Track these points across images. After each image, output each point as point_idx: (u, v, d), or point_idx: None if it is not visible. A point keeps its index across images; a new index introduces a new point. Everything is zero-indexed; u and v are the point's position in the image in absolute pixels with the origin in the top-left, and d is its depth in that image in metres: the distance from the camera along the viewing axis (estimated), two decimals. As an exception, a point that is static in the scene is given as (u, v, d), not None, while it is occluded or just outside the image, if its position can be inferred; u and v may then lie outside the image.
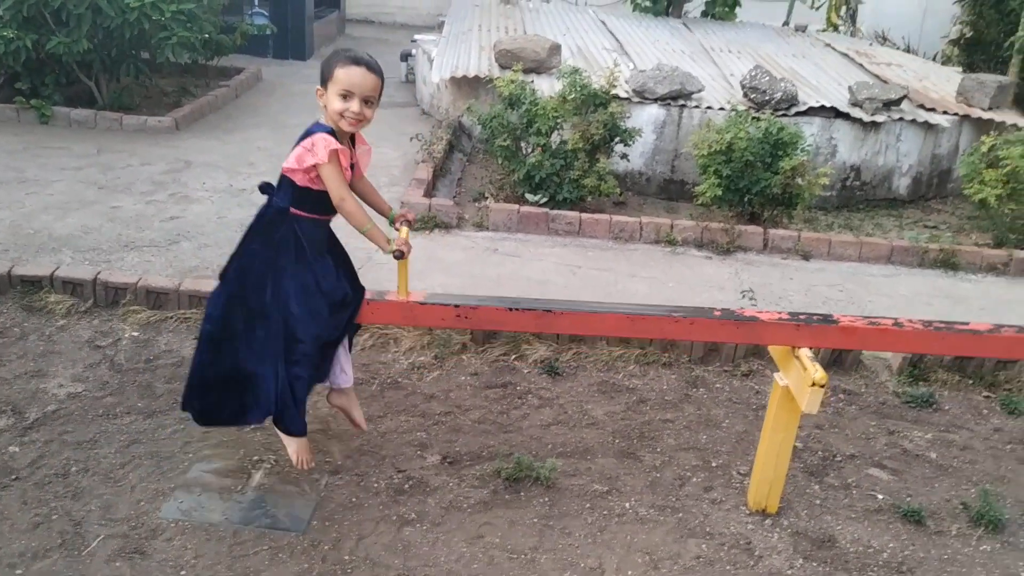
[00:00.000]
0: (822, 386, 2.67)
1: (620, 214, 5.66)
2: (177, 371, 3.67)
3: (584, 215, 5.43)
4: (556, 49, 7.00)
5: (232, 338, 2.83)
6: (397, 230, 2.93)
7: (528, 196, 5.67)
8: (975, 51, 9.90)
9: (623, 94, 6.24)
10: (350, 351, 3.14)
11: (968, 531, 3.11)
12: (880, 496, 3.26)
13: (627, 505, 3.10)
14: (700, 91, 6.50)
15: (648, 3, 10.55)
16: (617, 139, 5.76)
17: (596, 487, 3.18)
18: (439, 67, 7.20)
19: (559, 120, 5.65)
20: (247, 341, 2.82)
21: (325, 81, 2.71)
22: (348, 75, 2.65)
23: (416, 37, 9.00)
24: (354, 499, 3.02)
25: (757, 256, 5.37)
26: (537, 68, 6.80)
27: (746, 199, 5.54)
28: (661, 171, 6.46)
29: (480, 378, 3.84)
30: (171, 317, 4.04)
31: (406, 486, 3.10)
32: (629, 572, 2.79)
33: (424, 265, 4.77)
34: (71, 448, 3.13)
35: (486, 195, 5.92)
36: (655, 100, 6.35)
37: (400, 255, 2.83)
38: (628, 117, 5.86)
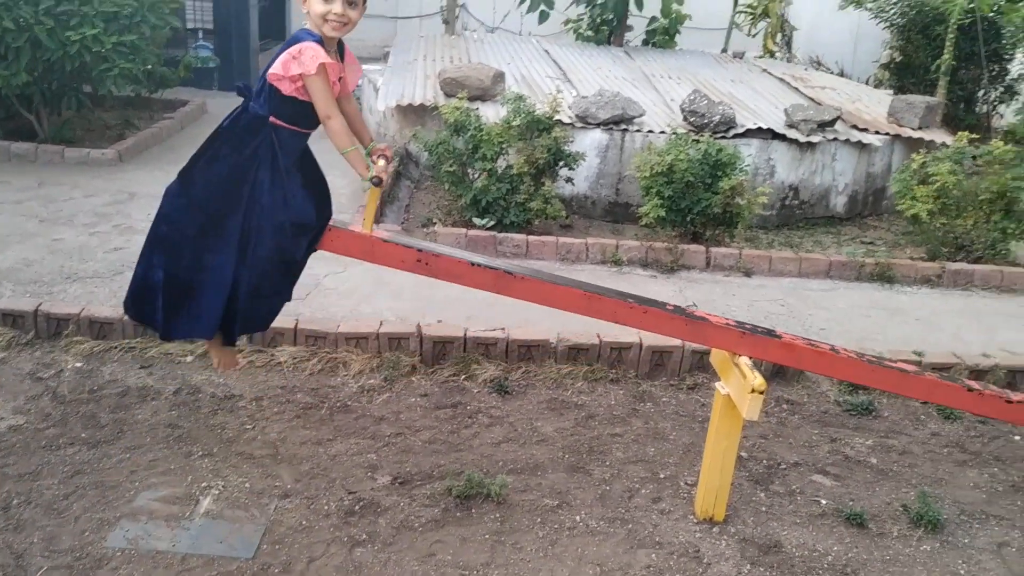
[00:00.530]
0: (761, 392, 2.74)
1: (567, 236, 5.73)
2: (122, 400, 3.64)
3: (531, 237, 5.50)
4: (500, 77, 7.10)
5: (183, 242, 2.72)
6: (374, 162, 2.85)
7: (476, 220, 5.72)
8: (905, 74, 10.25)
9: (566, 119, 6.34)
10: None
11: (908, 532, 3.20)
12: (824, 501, 3.34)
13: (577, 518, 3.14)
14: (641, 116, 6.64)
15: (590, 32, 10.74)
16: (562, 163, 5.85)
17: (547, 501, 3.21)
18: (385, 95, 7.25)
19: (504, 145, 5.73)
20: (199, 248, 2.72)
21: None
22: None
23: (362, 67, 9.03)
24: (304, 522, 3.00)
25: (700, 274, 5.48)
26: (482, 96, 6.88)
27: (688, 219, 5.65)
28: (606, 194, 6.56)
29: (430, 399, 3.85)
30: (115, 347, 4.00)
31: (357, 507, 3.10)
32: (581, 584, 2.82)
33: (373, 289, 4.78)
34: (12, 480, 3.07)
35: (434, 220, 5.96)
36: (598, 125, 6.47)
37: (378, 182, 2.76)
38: (572, 141, 5.96)
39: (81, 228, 5.39)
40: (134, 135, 7.25)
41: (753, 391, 2.73)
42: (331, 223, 2.93)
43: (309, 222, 2.82)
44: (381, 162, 2.84)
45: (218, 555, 2.81)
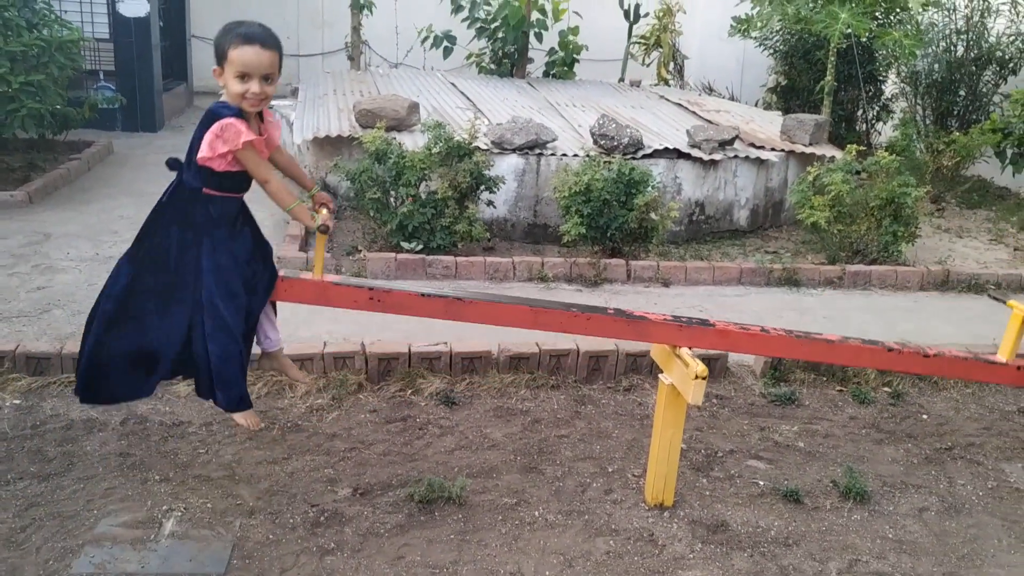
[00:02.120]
0: (704, 378, 2.95)
1: (493, 256, 5.90)
2: (68, 433, 3.59)
3: (459, 259, 5.65)
4: (415, 107, 7.26)
5: (137, 318, 2.78)
6: (317, 211, 2.97)
7: (403, 244, 5.83)
8: (790, 97, 10.90)
9: (483, 146, 6.54)
10: (275, 315, 3.15)
11: (840, 504, 3.46)
12: (761, 483, 3.57)
13: (536, 513, 3.27)
14: (554, 140, 6.90)
15: (493, 66, 11.06)
16: (483, 187, 6.04)
17: (505, 500, 3.34)
18: (300, 129, 7.31)
19: (426, 171, 5.88)
20: (156, 321, 2.78)
21: (220, 61, 2.66)
22: (242, 56, 2.61)
23: (272, 103, 9.06)
24: (271, 536, 3.05)
25: (622, 286, 5.73)
26: (398, 126, 7.02)
27: (607, 235, 5.91)
28: (525, 216, 6.78)
29: (379, 414, 3.94)
30: (54, 382, 3.94)
31: (322, 519, 3.16)
32: (547, 573, 2.95)
33: (309, 314, 4.81)
34: (-35, 517, 3.02)
35: (359, 248, 6.05)
36: (514, 150, 6.69)
37: (325, 230, 2.88)
38: (492, 166, 6.16)
39: (-1, 270, 5.27)
40: (42, 176, 7.08)
41: (696, 377, 2.94)
42: (282, 274, 3.05)
43: (259, 274, 2.94)
44: (324, 211, 2.98)
45: (189, 573, 2.83)
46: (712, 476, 3.60)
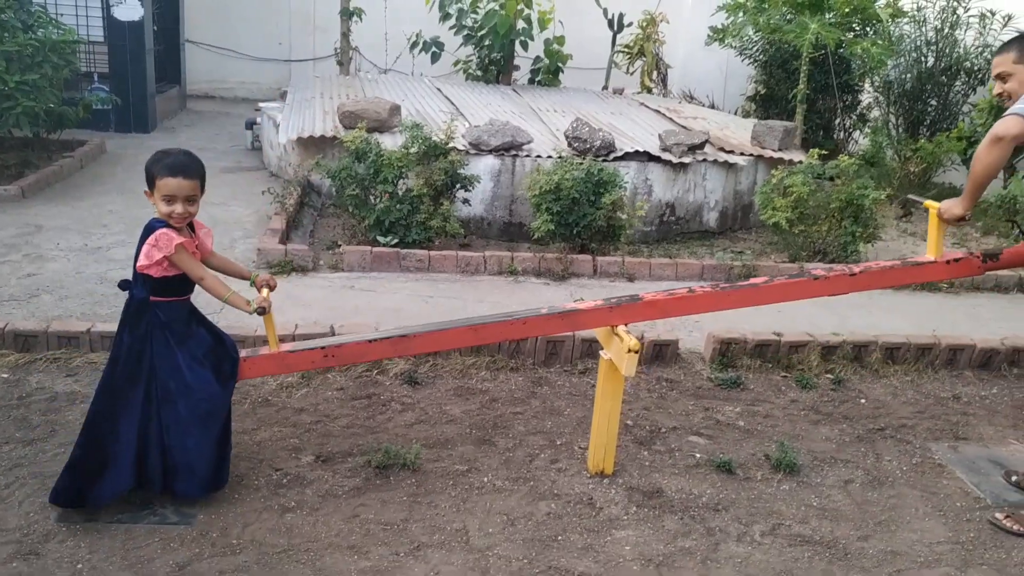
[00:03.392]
0: (636, 351, 3.21)
1: (466, 251, 6.16)
2: (52, 404, 3.84)
3: (433, 252, 5.91)
4: (396, 110, 7.54)
5: (106, 421, 3.08)
6: (259, 290, 3.29)
7: (380, 239, 6.09)
8: (769, 105, 11.18)
9: (461, 147, 6.81)
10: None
11: (770, 476, 3.71)
12: (698, 455, 3.82)
13: (485, 480, 3.52)
14: (530, 142, 7.17)
15: (479, 72, 11.34)
16: (458, 185, 6.31)
17: (457, 467, 3.59)
18: (286, 130, 7.58)
19: (404, 169, 6.14)
20: (118, 426, 3.08)
21: (150, 188, 3.04)
22: (167, 185, 2.99)
23: (260, 105, 9.34)
24: (236, 495, 3.29)
25: (589, 280, 5.99)
26: (379, 127, 7.29)
27: (575, 232, 6.17)
28: (500, 215, 7.04)
29: (346, 392, 4.19)
30: (40, 358, 4.18)
31: (284, 481, 3.41)
32: (490, 530, 3.20)
33: (283, 303, 5.07)
34: (-47, 474, 3.26)
35: (339, 243, 6.30)
36: (490, 151, 6.96)
37: (262, 311, 3.20)
38: (467, 165, 6.42)
39: (-9, 258, 5.52)
40: (35, 173, 7.34)
41: (629, 351, 3.20)
42: (242, 354, 3.35)
43: (223, 363, 3.23)
44: (264, 291, 3.29)
45: (159, 525, 3.08)
46: (653, 449, 3.85)
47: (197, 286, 3.14)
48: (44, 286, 5.11)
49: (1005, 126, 3.25)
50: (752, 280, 3.52)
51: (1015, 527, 3.40)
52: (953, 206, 3.58)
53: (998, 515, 3.47)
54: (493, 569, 2.98)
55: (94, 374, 4.13)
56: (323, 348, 3.38)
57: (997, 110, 8.45)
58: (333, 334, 4.41)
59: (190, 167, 3.05)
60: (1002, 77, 3.47)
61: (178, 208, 3.02)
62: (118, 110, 9.45)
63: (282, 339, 4.32)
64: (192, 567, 2.87)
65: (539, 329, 3.45)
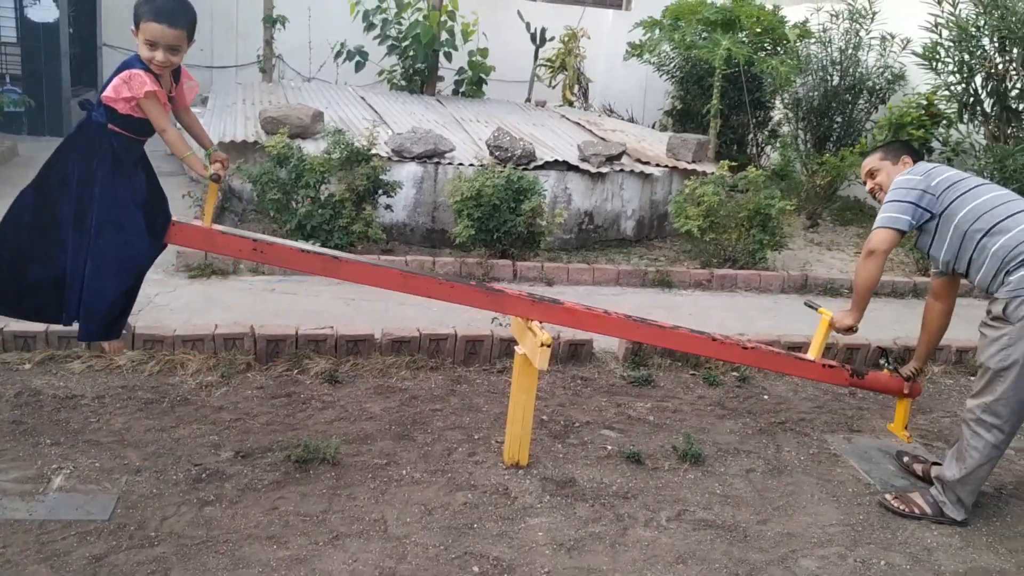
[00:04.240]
0: (548, 346, 3.35)
1: (389, 256, 6.24)
2: (-37, 404, 3.79)
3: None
4: (319, 116, 7.58)
5: (46, 245, 3.04)
6: (213, 163, 3.28)
7: (301, 244, 6.11)
8: (686, 120, 11.56)
9: (383, 153, 6.89)
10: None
11: (677, 466, 3.89)
12: (610, 447, 3.99)
13: (404, 472, 3.61)
14: (452, 150, 7.29)
15: (403, 82, 11.43)
16: (381, 191, 6.39)
17: (376, 461, 3.67)
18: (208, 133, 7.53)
19: (326, 175, 6.20)
20: (60, 249, 3.05)
21: (136, 26, 2.98)
22: (150, 30, 2.93)
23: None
24: (155, 490, 3.31)
25: (509, 284, 6.13)
26: (302, 133, 7.31)
27: (496, 237, 6.31)
28: (423, 221, 7.14)
29: (266, 390, 4.23)
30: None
31: (203, 476, 3.44)
32: (408, 519, 3.29)
33: (204, 305, 5.09)
34: None
35: (260, 247, 6.30)
36: (413, 158, 7.06)
37: (217, 178, 3.20)
38: (390, 171, 6.51)
39: None
40: (-57, 175, 7.14)
41: (542, 345, 3.34)
42: (174, 219, 3.33)
43: (156, 214, 3.22)
44: (218, 164, 3.30)
45: (75, 519, 3.08)
46: (567, 442, 4.00)
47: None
48: (-47, 287, 4.99)
49: (877, 241, 3.58)
50: (660, 323, 3.71)
51: (902, 507, 3.64)
52: (844, 317, 3.84)
53: (887, 497, 3.71)
54: (410, 556, 3.07)
55: (7, 374, 4.10)
56: (254, 240, 3.36)
57: (896, 127, 8.94)
58: (254, 334, 4.45)
59: (178, 14, 2.99)
60: (871, 174, 3.84)
61: (159, 56, 2.96)
62: (31, 112, 9.25)
63: (200, 339, 4.37)
64: (109, 559, 2.89)
65: (464, 297, 3.51)
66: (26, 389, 3.97)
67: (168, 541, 3.02)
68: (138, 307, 4.79)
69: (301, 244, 3.52)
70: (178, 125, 3.38)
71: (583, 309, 3.61)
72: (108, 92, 2.97)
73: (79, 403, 3.91)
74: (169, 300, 5.09)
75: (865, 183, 3.91)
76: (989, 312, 3.48)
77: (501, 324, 5.02)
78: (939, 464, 3.76)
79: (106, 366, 4.24)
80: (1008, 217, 3.41)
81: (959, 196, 3.50)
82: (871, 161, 3.86)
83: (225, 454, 3.62)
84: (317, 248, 3.50)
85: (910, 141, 3.99)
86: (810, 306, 4.25)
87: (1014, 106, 7.70)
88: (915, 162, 3.75)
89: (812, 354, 3.97)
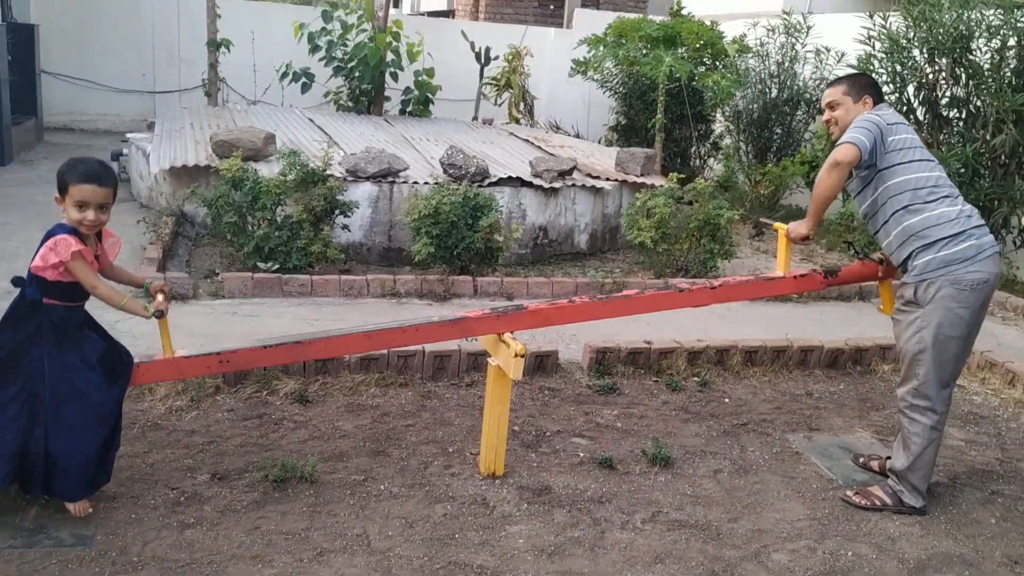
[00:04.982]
0: (522, 356, 3.43)
1: (348, 275, 6.26)
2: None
3: (315, 276, 5.99)
4: (271, 139, 7.58)
5: None
6: (154, 298, 3.34)
7: (260, 265, 6.11)
8: (630, 134, 11.79)
9: (338, 174, 6.92)
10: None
11: (647, 469, 4.00)
12: (582, 454, 4.07)
13: (382, 487, 3.65)
14: (406, 169, 7.35)
15: (350, 103, 11.47)
16: (337, 211, 6.42)
17: (354, 478, 3.70)
18: (157, 160, 7.48)
19: (282, 196, 6.21)
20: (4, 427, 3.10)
21: (62, 193, 3.10)
22: (82, 191, 3.06)
23: (128, 136, 9.15)
24: (133, 515, 3.30)
25: (470, 300, 6.20)
26: (255, 156, 7.31)
27: (455, 254, 6.38)
28: (380, 240, 7.17)
29: (236, 413, 4.23)
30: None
31: (181, 499, 3.43)
32: (390, 533, 3.33)
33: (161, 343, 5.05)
34: None
35: (216, 271, 6.28)
36: (367, 178, 7.10)
37: (160, 315, 3.28)
38: (345, 191, 6.55)
39: None
40: None
41: (516, 355, 3.41)
42: (136, 359, 3.40)
43: (118, 365, 3.30)
44: (159, 297, 3.36)
45: (55, 548, 3.06)
46: (540, 451, 4.08)
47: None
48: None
49: (843, 152, 3.62)
50: (625, 292, 3.82)
51: (863, 502, 3.79)
52: (798, 226, 3.96)
53: (848, 492, 3.86)
54: (396, 568, 3.11)
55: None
56: (218, 353, 3.44)
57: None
58: (222, 357, 4.43)
59: (104, 175, 3.12)
60: (832, 106, 3.88)
61: (90, 215, 3.08)
62: (-30, 142, 9.05)
63: (169, 363, 4.34)
64: (93, 586, 2.88)
65: (432, 336, 3.62)
66: (-9, 421, 3.90)
67: (152, 565, 3.01)
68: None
69: (262, 342, 3.59)
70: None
71: (548, 306, 3.71)
72: (36, 262, 3.06)
73: (47, 433, 3.86)
74: (131, 327, 5.03)
75: (823, 113, 3.96)
76: (901, 297, 3.68)
77: (467, 339, 5.09)
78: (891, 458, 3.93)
79: (72, 394, 4.19)
80: (930, 201, 3.61)
81: (901, 163, 3.65)
82: (834, 93, 3.86)
83: (201, 477, 3.61)
84: (278, 339, 3.57)
85: (874, 78, 4.04)
86: (763, 221, 4.41)
87: (944, 114, 8.03)
88: (875, 102, 3.81)
89: (780, 270, 4.12)
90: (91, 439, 3.20)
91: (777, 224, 4.15)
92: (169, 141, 8.11)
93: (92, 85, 12.53)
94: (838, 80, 3.95)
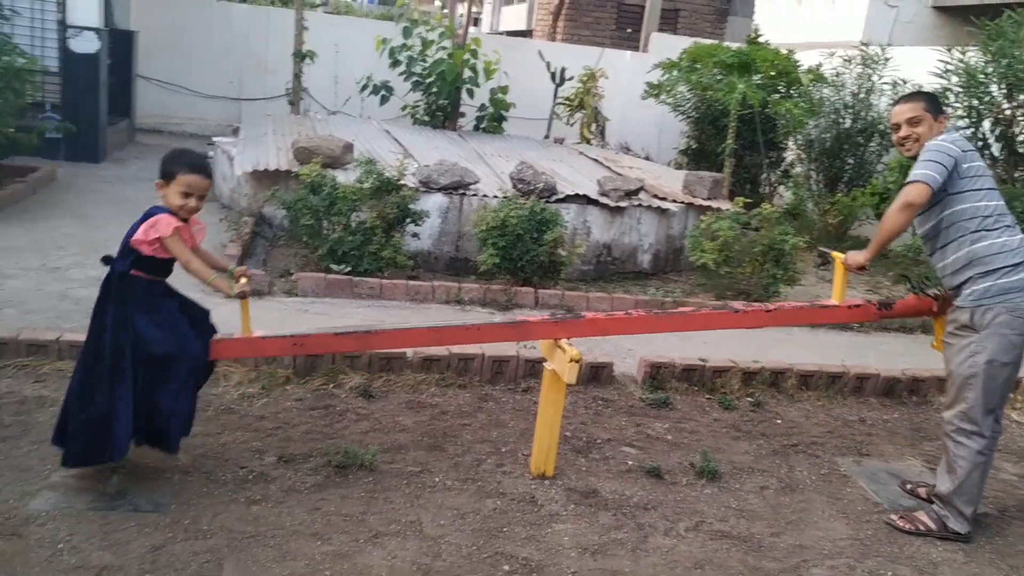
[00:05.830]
0: (578, 361, 3.58)
1: (416, 281, 6.49)
2: (22, 407, 4.03)
3: (384, 280, 6.23)
4: (349, 147, 7.89)
5: (100, 388, 3.33)
6: (237, 281, 3.60)
7: (332, 267, 6.38)
8: (700, 159, 11.85)
9: (411, 184, 7.17)
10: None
11: (694, 481, 4.10)
12: (630, 463, 4.19)
13: (436, 480, 3.83)
14: (477, 182, 7.57)
15: (426, 118, 11.79)
16: (409, 219, 6.66)
17: (411, 469, 3.89)
18: (241, 163, 7.85)
19: (357, 203, 6.48)
20: (114, 389, 3.34)
21: (167, 178, 3.38)
22: (189, 181, 3.36)
23: (215, 139, 9.59)
24: (205, 489, 3.54)
25: (531, 311, 6.37)
26: (332, 163, 7.61)
27: (519, 266, 6.56)
28: (447, 250, 7.40)
29: (304, 402, 4.46)
30: (9, 365, 4.37)
31: (249, 477, 3.66)
32: (441, 522, 3.50)
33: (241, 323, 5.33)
34: (-69, 465, 3.44)
35: (291, 271, 6.57)
36: (439, 189, 7.34)
37: (243, 295, 3.54)
38: (417, 201, 6.79)
39: (-50, 274, 5.65)
40: (-12, 196, 7.46)
41: (571, 360, 3.56)
42: (216, 336, 3.67)
43: (200, 336, 3.57)
44: (243, 280, 3.62)
45: (134, 512, 3.31)
46: (590, 457, 4.21)
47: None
48: (7, 301, 5.27)
49: (915, 194, 3.65)
50: (681, 309, 3.94)
51: (907, 526, 3.83)
52: (856, 255, 4.01)
53: (893, 516, 3.90)
54: (445, 554, 3.28)
55: (61, 380, 4.31)
56: (292, 336, 3.66)
57: (906, 169, 9.19)
58: (293, 349, 4.68)
59: (208, 168, 3.47)
60: (913, 122, 3.81)
61: (192, 203, 3.39)
62: (69, 139, 9.58)
63: (244, 352, 4.59)
64: (167, 548, 3.11)
65: (492, 336, 3.80)
66: (80, 395, 4.20)
67: (220, 534, 3.23)
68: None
69: (334, 328, 3.82)
70: None
71: (605, 316, 3.85)
72: (137, 236, 3.34)
73: (130, 409, 4.14)
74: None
75: (899, 129, 3.88)
76: (955, 321, 3.71)
77: (526, 346, 5.26)
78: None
79: (154, 376, 4.48)
80: (994, 229, 3.66)
81: (971, 190, 3.70)
82: (915, 108, 3.82)
83: (268, 459, 3.84)
84: (350, 327, 3.79)
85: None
86: (823, 250, 4.48)
87: (1021, 151, 7.94)
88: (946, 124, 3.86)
89: (835, 298, 4.18)
90: (189, 392, 3.49)
91: (835, 253, 4.23)
92: (253, 146, 8.49)
93: (182, 90, 13.13)
94: (914, 96, 3.94)
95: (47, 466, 3.55)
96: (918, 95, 3.99)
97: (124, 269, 3.37)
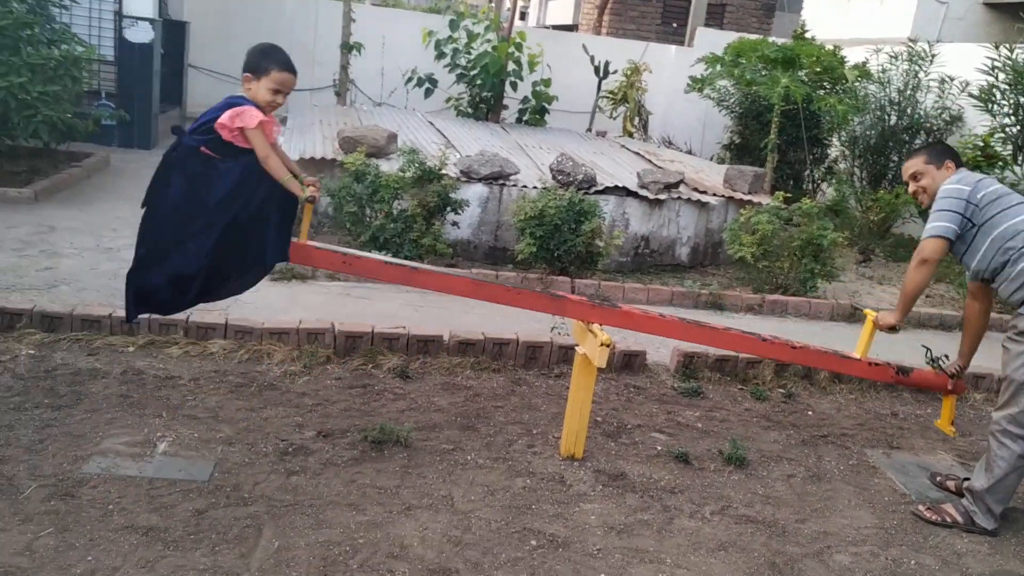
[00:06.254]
0: (609, 346, 3.66)
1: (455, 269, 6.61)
2: (76, 378, 4.22)
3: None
4: (393, 137, 8.03)
5: (165, 254, 3.49)
6: (307, 187, 3.63)
7: (374, 254, 6.52)
8: (743, 153, 11.80)
9: (452, 174, 7.28)
10: None
11: (722, 467, 4.16)
12: (659, 448, 4.27)
13: (469, 458, 3.94)
14: (517, 173, 7.67)
15: (469, 110, 11.91)
16: (449, 208, 6.78)
17: (444, 447, 4.01)
18: (288, 151, 8.03)
19: (399, 191, 6.61)
20: (179, 252, 3.48)
21: (257, 73, 3.44)
22: (282, 79, 3.45)
23: (262, 128, 9.79)
24: (247, 460, 3.69)
25: (567, 300, 6.45)
26: (377, 153, 7.75)
27: (556, 255, 6.65)
28: (486, 239, 7.51)
29: (343, 381, 4.60)
30: (64, 339, 4.57)
31: (289, 450, 3.81)
32: (472, 498, 3.61)
33: (286, 304, 5.50)
34: (-8, 429, 3.64)
35: (334, 256, 6.72)
36: (479, 179, 7.44)
37: (312, 199, 3.58)
38: (458, 190, 6.91)
39: (10, 252, 5.89)
40: (47, 178, 7.73)
41: (602, 344, 3.65)
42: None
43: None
44: (311, 188, 3.68)
45: (178, 479, 3.47)
46: (619, 441, 4.29)
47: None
48: (62, 279, 5.49)
49: (930, 250, 3.79)
50: (712, 324, 4.01)
51: (934, 517, 3.86)
52: (887, 316, 4.10)
53: (920, 507, 3.93)
54: (475, 527, 3.39)
55: (113, 355, 4.53)
56: (344, 254, 3.77)
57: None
58: (334, 329, 4.83)
59: (293, 65, 3.51)
60: (915, 177, 3.99)
61: (280, 99, 3.48)
62: (122, 126, 9.87)
63: (285, 332, 4.77)
64: (210, 513, 3.26)
65: (530, 302, 3.87)
66: (130, 369, 4.39)
67: (260, 502, 3.38)
68: (225, 304, 5.22)
69: (383, 256, 3.89)
70: None
71: (640, 312, 3.92)
72: (223, 120, 3.40)
73: (177, 383, 4.32)
74: (254, 299, 5.48)
75: (908, 185, 4.07)
76: (1014, 327, 3.72)
77: (560, 332, 5.35)
78: (969, 479, 3.96)
79: (201, 352, 4.66)
80: None
81: (1001, 211, 3.74)
82: (915, 164, 3.99)
83: (308, 433, 3.98)
84: (398, 260, 3.88)
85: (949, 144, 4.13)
86: (857, 307, 4.50)
87: (1069, 149, 7.83)
88: (957, 166, 3.93)
89: (858, 353, 4.21)
90: (287, 214, 3.59)
91: (867, 310, 4.28)
92: (300, 134, 8.68)
93: (232, 79, 13.36)
94: (916, 152, 4.09)
95: (98, 434, 3.73)
96: (920, 150, 4.09)
97: (195, 144, 3.43)
